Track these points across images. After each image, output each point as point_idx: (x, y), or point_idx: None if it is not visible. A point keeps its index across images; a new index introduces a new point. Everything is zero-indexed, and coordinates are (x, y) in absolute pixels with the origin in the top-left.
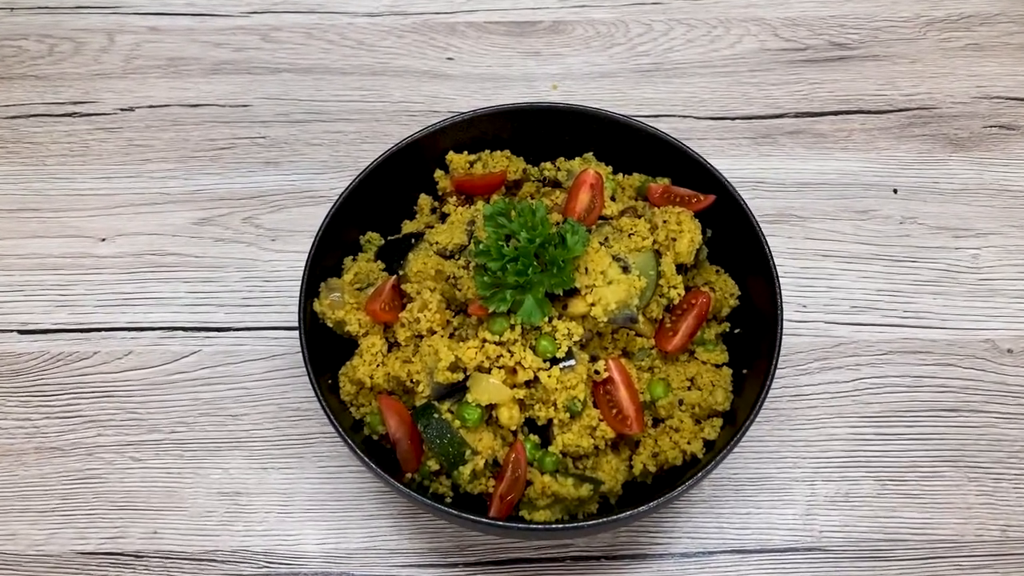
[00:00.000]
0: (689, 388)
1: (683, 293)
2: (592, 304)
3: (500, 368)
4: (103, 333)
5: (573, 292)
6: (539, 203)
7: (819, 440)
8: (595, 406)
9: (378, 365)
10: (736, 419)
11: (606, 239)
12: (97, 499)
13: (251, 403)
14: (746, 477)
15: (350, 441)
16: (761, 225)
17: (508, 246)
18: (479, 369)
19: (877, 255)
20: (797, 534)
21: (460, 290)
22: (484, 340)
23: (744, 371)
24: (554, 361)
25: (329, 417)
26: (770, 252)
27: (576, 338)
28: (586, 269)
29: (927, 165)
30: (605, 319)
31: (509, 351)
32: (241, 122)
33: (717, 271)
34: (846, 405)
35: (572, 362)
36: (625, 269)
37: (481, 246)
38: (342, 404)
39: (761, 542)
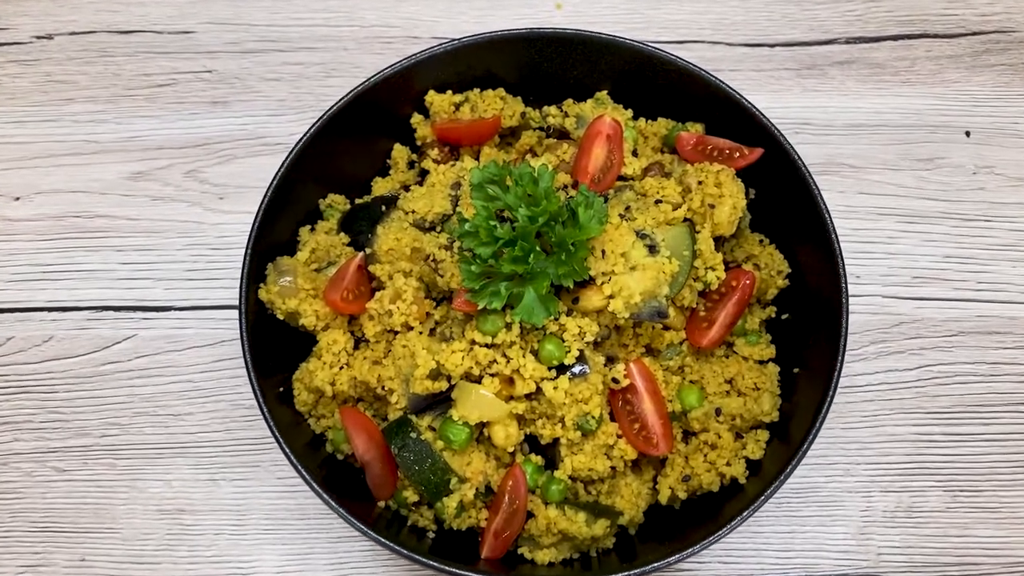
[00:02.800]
0: (728, 393)
1: (723, 276)
2: (610, 296)
3: (493, 376)
4: (18, 315)
5: (587, 281)
6: (542, 167)
7: (876, 442)
8: (612, 419)
9: (341, 368)
10: (788, 433)
11: (627, 209)
12: (14, 519)
13: (197, 400)
14: (789, 488)
15: (302, 469)
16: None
17: (502, 226)
18: (467, 377)
19: (945, 213)
20: (850, 557)
21: (442, 276)
22: (473, 342)
23: (795, 370)
24: (561, 368)
25: (276, 438)
26: (831, 220)
27: (589, 338)
28: (603, 252)
29: (1005, 101)
30: (627, 315)
31: (504, 356)
32: (182, 53)
33: (761, 241)
34: (908, 398)
35: (584, 368)
36: (652, 249)
37: (467, 226)
38: (297, 416)
39: (807, 566)
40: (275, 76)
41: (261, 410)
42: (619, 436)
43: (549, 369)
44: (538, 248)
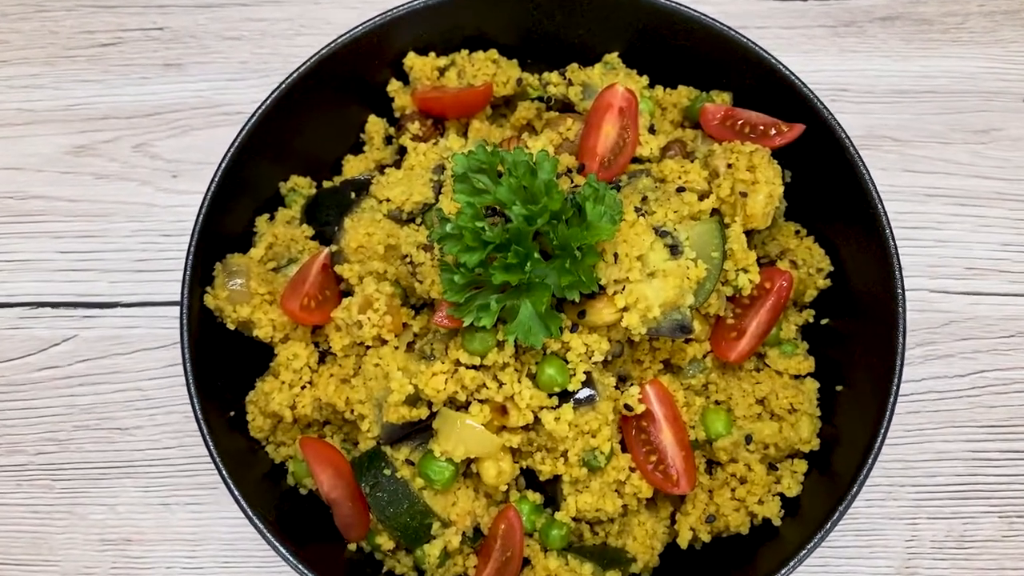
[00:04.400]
0: (759, 416)
1: (757, 279)
2: (624, 309)
3: (482, 403)
4: None
5: (595, 291)
6: (542, 154)
7: (922, 460)
8: (623, 448)
9: (303, 387)
10: (831, 466)
11: (644, 200)
12: None
13: (147, 410)
14: None
15: (252, 514)
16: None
17: (491, 227)
18: (451, 404)
19: (1002, 194)
20: None
21: (421, 281)
22: (458, 362)
23: (838, 388)
24: (564, 395)
25: (222, 474)
26: (884, 209)
27: (598, 358)
28: (615, 255)
29: None
30: (644, 330)
31: (496, 379)
32: (130, 7)
33: (797, 232)
34: (959, 410)
35: (591, 394)
36: (674, 250)
37: (449, 227)
38: (252, 443)
39: None
40: (236, 34)
41: (205, 441)
42: (632, 469)
43: (549, 396)
44: (536, 254)
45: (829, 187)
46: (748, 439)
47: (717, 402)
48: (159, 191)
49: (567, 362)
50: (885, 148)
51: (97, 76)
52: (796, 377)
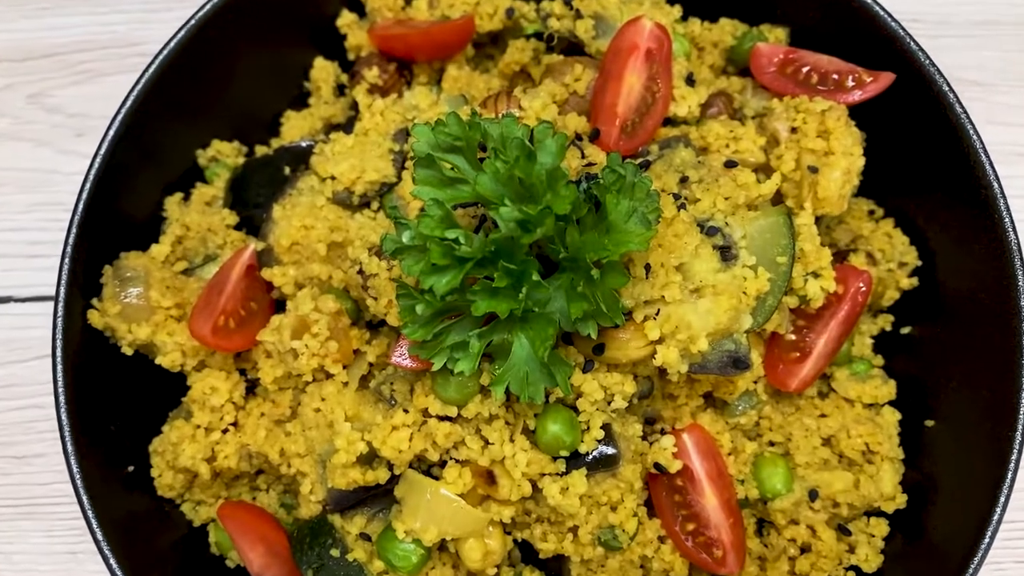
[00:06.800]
0: (826, 463)
1: (832, 286)
2: (659, 340)
3: (461, 464)
4: None
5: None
6: (544, 128)
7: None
8: (650, 511)
9: (225, 431)
10: (924, 531)
11: (683, 181)
12: None
13: (51, 433)
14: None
15: None
16: None
17: (469, 237)
18: (418, 465)
19: None
20: None
21: (376, 298)
22: (426, 412)
23: (927, 423)
24: (574, 457)
25: (102, 551)
26: (1000, 186)
27: (620, 404)
28: (647, 266)
29: None
30: (684, 368)
31: (479, 435)
32: None
33: (871, 213)
34: None
35: (611, 453)
36: (726, 253)
37: (407, 235)
38: (159, 504)
39: None
40: None
41: (83, 509)
42: (661, 539)
43: (554, 460)
44: (535, 274)
45: (918, 155)
46: (813, 495)
47: (771, 443)
48: (60, 154)
49: (577, 412)
50: (966, 95)
51: None
52: (871, 406)
